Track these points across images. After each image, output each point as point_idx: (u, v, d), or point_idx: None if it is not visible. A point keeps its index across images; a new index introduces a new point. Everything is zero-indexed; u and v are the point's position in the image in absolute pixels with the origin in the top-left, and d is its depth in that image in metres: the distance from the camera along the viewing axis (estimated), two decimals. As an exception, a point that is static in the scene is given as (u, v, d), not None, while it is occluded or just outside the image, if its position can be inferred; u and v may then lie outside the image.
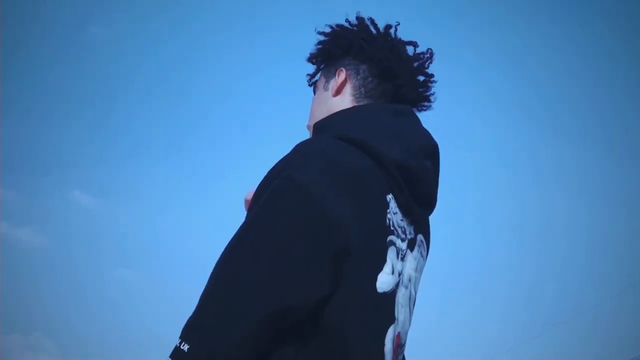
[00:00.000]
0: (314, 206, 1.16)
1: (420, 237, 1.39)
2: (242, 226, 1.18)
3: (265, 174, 1.24)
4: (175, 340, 1.12)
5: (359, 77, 1.50)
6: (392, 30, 1.55)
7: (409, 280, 1.35)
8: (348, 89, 1.50)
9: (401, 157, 1.32)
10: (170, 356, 1.11)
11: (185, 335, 1.11)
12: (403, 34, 1.56)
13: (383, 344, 1.26)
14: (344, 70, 1.51)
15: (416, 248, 1.37)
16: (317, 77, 1.61)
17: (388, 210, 1.28)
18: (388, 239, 1.28)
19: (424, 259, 1.43)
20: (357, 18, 1.55)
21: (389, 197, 1.29)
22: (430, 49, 1.55)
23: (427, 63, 1.55)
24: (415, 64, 1.54)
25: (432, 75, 1.56)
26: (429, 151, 1.42)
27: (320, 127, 1.42)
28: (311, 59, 1.61)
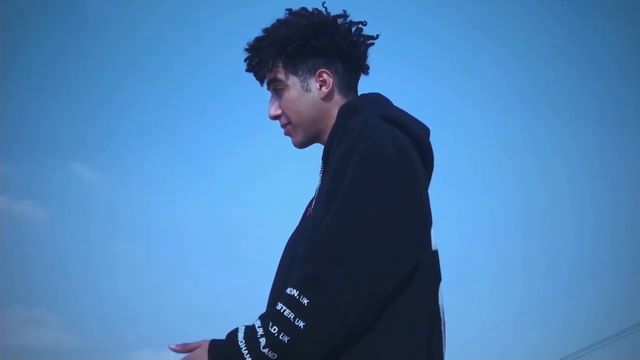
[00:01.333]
0: (408, 166, 1.36)
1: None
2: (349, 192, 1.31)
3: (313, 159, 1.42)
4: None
5: (339, 76, 1.59)
6: (346, 21, 1.60)
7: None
8: (335, 89, 1.58)
9: (423, 136, 1.48)
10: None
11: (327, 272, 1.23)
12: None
13: (438, 300, 1.43)
14: (327, 72, 1.57)
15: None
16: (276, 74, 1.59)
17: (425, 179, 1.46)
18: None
19: None
20: (319, 14, 1.59)
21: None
22: (378, 35, 1.62)
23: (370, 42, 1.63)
24: (366, 47, 1.63)
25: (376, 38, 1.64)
26: (429, 133, 1.55)
27: (350, 110, 1.51)
28: (265, 54, 1.58)
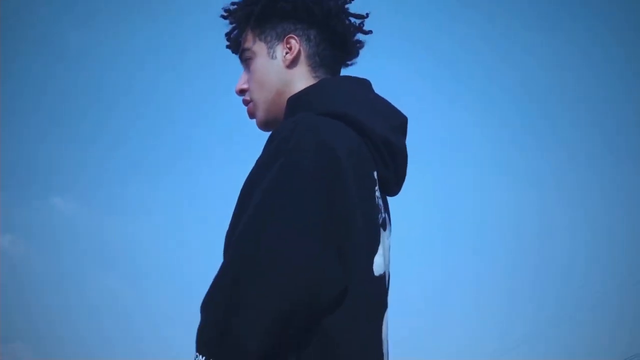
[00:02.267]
0: (333, 182, 1.13)
1: (387, 214, 1.35)
2: (263, 195, 1.11)
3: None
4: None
5: (311, 44, 1.42)
6: None
7: (388, 261, 1.30)
8: (302, 58, 1.41)
9: (385, 132, 1.29)
10: None
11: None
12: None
13: (381, 332, 1.22)
14: (295, 38, 1.41)
15: (387, 226, 1.33)
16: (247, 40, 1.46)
17: (376, 188, 1.25)
18: (380, 218, 1.25)
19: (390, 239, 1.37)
20: None
21: (375, 173, 1.26)
22: (367, 13, 1.47)
23: (362, 24, 1.48)
24: (351, 24, 1.47)
25: (368, 31, 1.49)
26: (404, 127, 1.39)
27: (296, 103, 1.33)
28: (238, 17, 1.46)
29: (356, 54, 1.49)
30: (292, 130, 1.17)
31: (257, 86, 1.42)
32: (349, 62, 1.50)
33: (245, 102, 1.45)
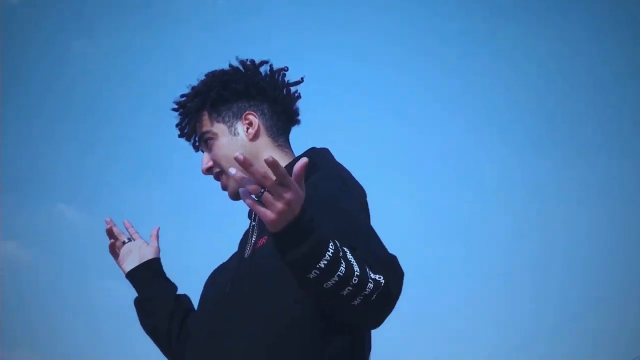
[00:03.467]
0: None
1: None
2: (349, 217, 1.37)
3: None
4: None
5: (266, 118, 1.58)
6: (269, 66, 1.63)
7: None
8: (262, 130, 1.57)
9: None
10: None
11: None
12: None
13: None
14: (252, 114, 1.57)
15: None
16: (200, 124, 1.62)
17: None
18: None
19: None
20: (241, 61, 1.62)
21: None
22: (303, 78, 1.65)
23: (297, 91, 1.65)
24: (293, 94, 1.65)
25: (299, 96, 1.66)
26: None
27: (315, 156, 1.52)
28: (190, 107, 1.62)
29: (298, 120, 1.66)
30: (344, 178, 1.48)
31: (225, 160, 1.55)
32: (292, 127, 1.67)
33: (217, 177, 1.60)
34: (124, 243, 1.77)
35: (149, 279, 1.72)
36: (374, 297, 1.18)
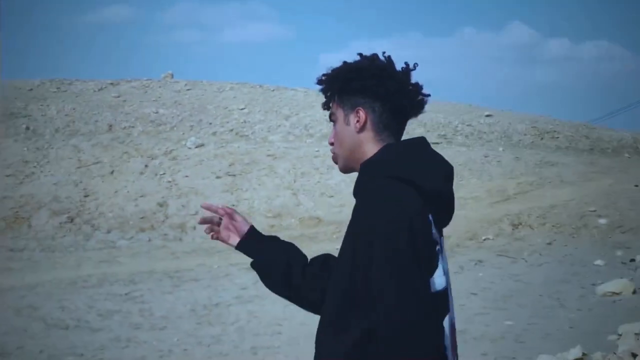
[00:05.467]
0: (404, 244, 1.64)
1: (441, 244, 1.79)
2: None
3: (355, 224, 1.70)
4: None
5: (375, 114, 1.82)
6: (396, 68, 1.85)
7: (449, 277, 1.79)
8: (368, 125, 1.83)
9: (438, 184, 1.75)
10: None
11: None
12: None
13: (443, 329, 1.70)
14: (362, 110, 1.82)
15: (444, 252, 1.79)
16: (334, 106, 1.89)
17: (432, 227, 1.72)
18: (437, 248, 1.73)
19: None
20: (367, 58, 1.86)
21: (430, 216, 1.72)
22: (415, 65, 1.86)
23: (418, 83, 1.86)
24: (412, 87, 1.85)
25: (424, 91, 1.87)
26: (451, 176, 1.82)
27: (369, 168, 1.80)
28: (325, 89, 1.90)
29: (421, 109, 1.89)
30: (366, 211, 1.68)
31: (338, 144, 1.90)
32: (414, 116, 1.91)
33: (332, 152, 1.93)
34: (218, 225, 2.07)
35: (254, 246, 2.04)
36: None
